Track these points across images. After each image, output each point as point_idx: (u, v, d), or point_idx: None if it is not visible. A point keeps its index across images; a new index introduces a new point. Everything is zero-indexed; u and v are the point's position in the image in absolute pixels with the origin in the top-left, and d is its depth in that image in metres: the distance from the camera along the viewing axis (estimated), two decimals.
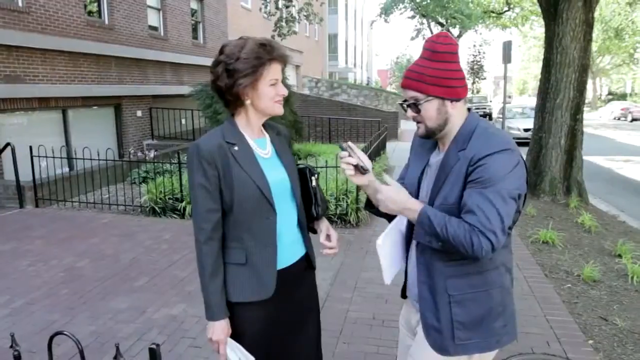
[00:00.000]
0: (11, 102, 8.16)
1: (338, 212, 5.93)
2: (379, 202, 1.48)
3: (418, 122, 1.52)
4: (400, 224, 1.64)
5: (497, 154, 1.36)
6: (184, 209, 6.24)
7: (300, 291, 1.74)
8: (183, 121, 12.98)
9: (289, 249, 1.67)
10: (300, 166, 1.79)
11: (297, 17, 13.83)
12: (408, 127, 23.11)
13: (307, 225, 1.78)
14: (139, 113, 11.92)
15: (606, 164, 12.32)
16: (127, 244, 5.19)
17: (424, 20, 29.78)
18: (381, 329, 3.33)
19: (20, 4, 8.37)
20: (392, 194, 1.46)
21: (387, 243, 1.58)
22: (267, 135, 1.71)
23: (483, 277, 1.47)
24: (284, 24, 13.43)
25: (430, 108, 1.46)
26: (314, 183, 1.76)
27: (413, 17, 28.95)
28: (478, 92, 28.14)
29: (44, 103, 8.91)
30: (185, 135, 12.69)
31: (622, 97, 48.12)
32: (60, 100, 9.29)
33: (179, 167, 6.38)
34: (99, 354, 2.98)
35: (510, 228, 1.44)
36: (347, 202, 5.98)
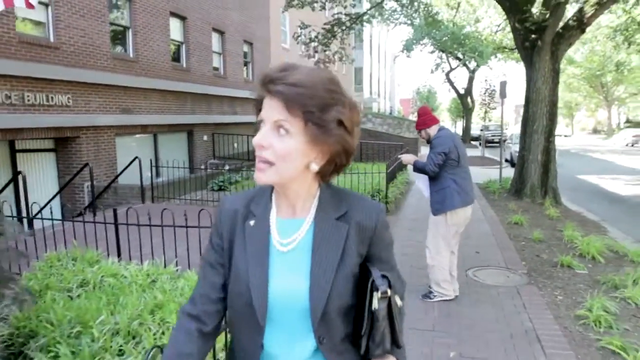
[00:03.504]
0: (125, 128, 10.96)
1: None
2: (404, 161, 4.13)
3: (422, 137, 4.12)
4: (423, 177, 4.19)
5: (435, 139, 3.95)
6: None
7: None
8: (235, 145, 15.75)
9: None
10: (374, 275, 1.05)
11: (333, 59, 16.59)
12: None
13: None
14: (205, 137, 14.72)
15: (595, 181, 14.45)
16: None
17: (443, 55, 32.37)
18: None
19: (131, 55, 11.27)
20: (407, 157, 4.14)
21: (419, 182, 4.23)
22: (309, 216, 1.09)
23: (442, 185, 3.98)
24: (321, 65, 16.18)
25: (423, 133, 4.10)
26: (375, 304, 1.02)
27: (433, 52, 31.57)
28: (490, 120, 30.33)
29: (143, 129, 11.71)
30: (239, 155, 15.44)
31: (639, 124, 49.61)
32: (154, 127, 12.10)
33: None
34: None
35: (457, 165, 3.94)
36: (378, 198, 8.42)
